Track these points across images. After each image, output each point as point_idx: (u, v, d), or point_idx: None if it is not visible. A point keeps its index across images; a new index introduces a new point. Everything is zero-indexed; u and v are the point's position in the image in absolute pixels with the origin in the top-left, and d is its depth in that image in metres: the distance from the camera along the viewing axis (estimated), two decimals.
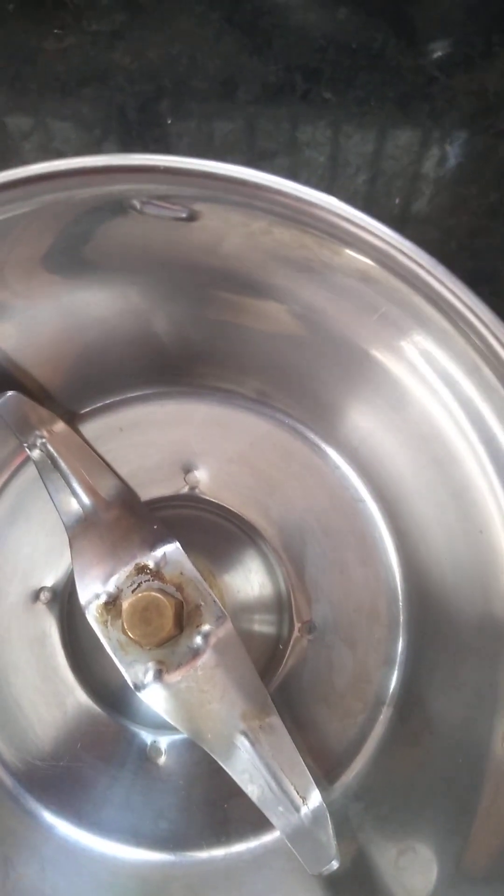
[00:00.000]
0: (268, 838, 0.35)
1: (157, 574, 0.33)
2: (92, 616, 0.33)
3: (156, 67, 0.53)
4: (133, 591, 0.33)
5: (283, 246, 0.28)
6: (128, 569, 0.33)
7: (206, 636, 0.33)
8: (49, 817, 0.35)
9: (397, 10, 0.54)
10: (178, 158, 0.25)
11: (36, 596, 0.37)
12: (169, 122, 0.53)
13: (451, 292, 0.25)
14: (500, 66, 0.54)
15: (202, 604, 0.33)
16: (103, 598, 0.33)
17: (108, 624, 0.32)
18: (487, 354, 0.26)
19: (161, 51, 0.54)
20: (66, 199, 0.26)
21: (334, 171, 0.54)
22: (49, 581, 0.37)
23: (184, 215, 0.27)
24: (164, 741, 0.36)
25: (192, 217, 0.27)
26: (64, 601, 0.37)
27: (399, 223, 0.53)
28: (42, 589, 0.37)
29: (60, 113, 0.53)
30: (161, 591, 0.32)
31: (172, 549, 0.33)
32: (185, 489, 0.38)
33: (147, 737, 0.36)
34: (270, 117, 0.53)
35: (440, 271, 0.25)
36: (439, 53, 0.54)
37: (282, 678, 0.36)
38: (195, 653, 0.33)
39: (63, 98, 0.53)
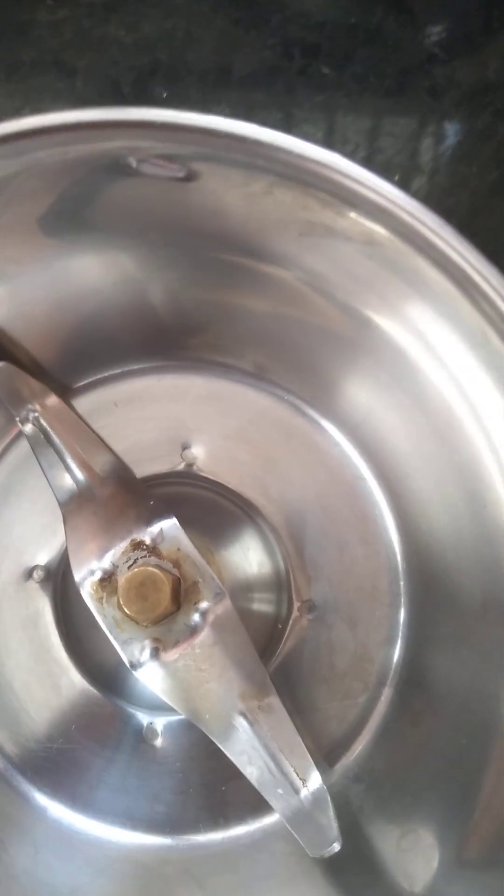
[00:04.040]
0: (267, 821, 0.34)
1: (153, 550, 0.32)
2: (87, 593, 0.32)
3: (151, 41, 0.52)
4: (129, 568, 0.32)
5: (285, 208, 0.27)
6: (123, 545, 0.32)
7: (203, 613, 0.32)
8: (43, 800, 0.34)
9: None
10: (176, 113, 0.24)
11: (29, 574, 0.36)
12: (164, 95, 0.52)
13: (458, 254, 0.24)
14: (500, 44, 0.53)
15: (200, 580, 0.32)
16: (98, 575, 0.32)
17: (104, 601, 0.32)
18: (495, 319, 0.25)
19: (156, 24, 0.52)
20: (60, 155, 0.25)
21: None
22: (42, 559, 0.36)
23: (181, 175, 0.26)
24: (160, 723, 0.35)
25: (189, 177, 0.26)
26: (57, 580, 0.36)
27: None
28: (35, 567, 0.36)
29: (53, 86, 0.52)
30: (158, 566, 0.31)
31: (169, 524, 0.33)
32: (182, 466, 0.37)
33: (143, 718, 0.35)
34: (267, 92, 0.52)
35: (447, 232, 0.24)
36: (438, 30, 0.53)
37: (281, 658, 0.36)
38: (193, 630, 0.32)
39: (56, 71, 0.52)
